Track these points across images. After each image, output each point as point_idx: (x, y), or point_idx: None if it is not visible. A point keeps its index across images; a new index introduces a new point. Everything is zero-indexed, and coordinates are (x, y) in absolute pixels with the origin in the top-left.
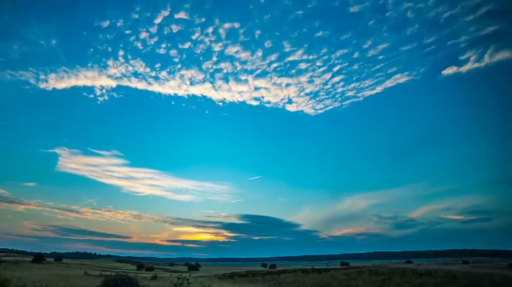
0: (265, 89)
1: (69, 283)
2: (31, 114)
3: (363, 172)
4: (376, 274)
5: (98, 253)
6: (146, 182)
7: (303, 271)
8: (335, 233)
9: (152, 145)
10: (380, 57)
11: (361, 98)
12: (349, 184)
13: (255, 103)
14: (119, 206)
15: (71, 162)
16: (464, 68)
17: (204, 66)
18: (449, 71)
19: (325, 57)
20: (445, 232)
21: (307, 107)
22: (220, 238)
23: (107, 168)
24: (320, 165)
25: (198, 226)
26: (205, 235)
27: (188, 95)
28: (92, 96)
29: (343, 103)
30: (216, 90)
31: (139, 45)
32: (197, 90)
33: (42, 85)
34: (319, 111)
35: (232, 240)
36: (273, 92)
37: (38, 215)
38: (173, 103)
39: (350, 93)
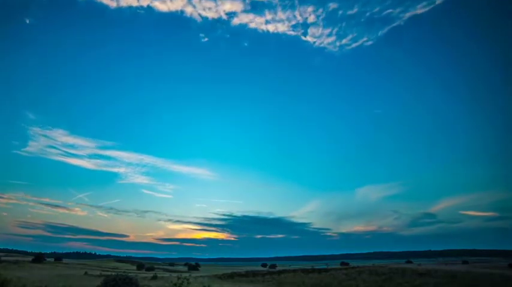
0: (270, 8)
1: (69, 283)
2: None
3: (382, 155)
4: (376, 274)
5: (94, 253)
6: (136, 170)
7: (303, 271)
8: (344, 231)
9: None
10: None
11: (402, 22)
12: (364, 173)
13: (253, 25)
14: (109, 200)
15: (42, 141)
16: None
17: None
18: None
19: None
20: (465, 231)
21: (329, 40)
22: (220, 236)
23: (85, 152)
24: (334, 139)
25: (194, 223)
26: (203, 234)
27: (153, 13)
28: (17, 16)
29: (379, 32)
30: (194, 7)
31: None
32: (165, 6)
33: None
34: (346, 48)
35: (232, 238)
36: (281, 14)
37: (23, 211)
38: (133, 34)
39: (393, 12)
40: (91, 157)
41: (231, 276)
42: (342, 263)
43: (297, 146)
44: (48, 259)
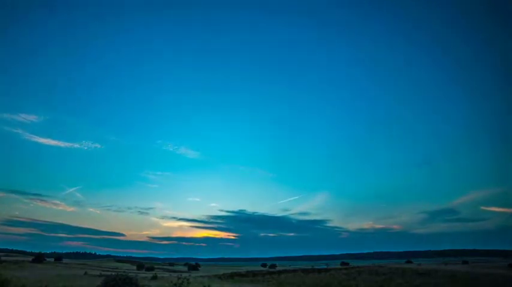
0: None
1: (69, 283)
2: None
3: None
4: (376, 274)
5: (94, 253)
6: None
7: (303, 271)
8: (353, 228)
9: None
10: None
11: None
12: (374, 167)
13: None
14: (100, 195)
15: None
16: None
17: None
18: None
19: None
20: (487, 229)
21: None
22: (220, 234)
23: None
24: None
25: (192, 221)
26: (202, 233)
27: None
28: None
29: None
30: None
31: None
32: None
33: None
34: None
35: (233, 237)
36: None
37: (9, 208)
38: None
39: None
40: (64, 138)
41: (231, 276)
42: (342, 263)
43: (302, 141)
44: (48, 259)
